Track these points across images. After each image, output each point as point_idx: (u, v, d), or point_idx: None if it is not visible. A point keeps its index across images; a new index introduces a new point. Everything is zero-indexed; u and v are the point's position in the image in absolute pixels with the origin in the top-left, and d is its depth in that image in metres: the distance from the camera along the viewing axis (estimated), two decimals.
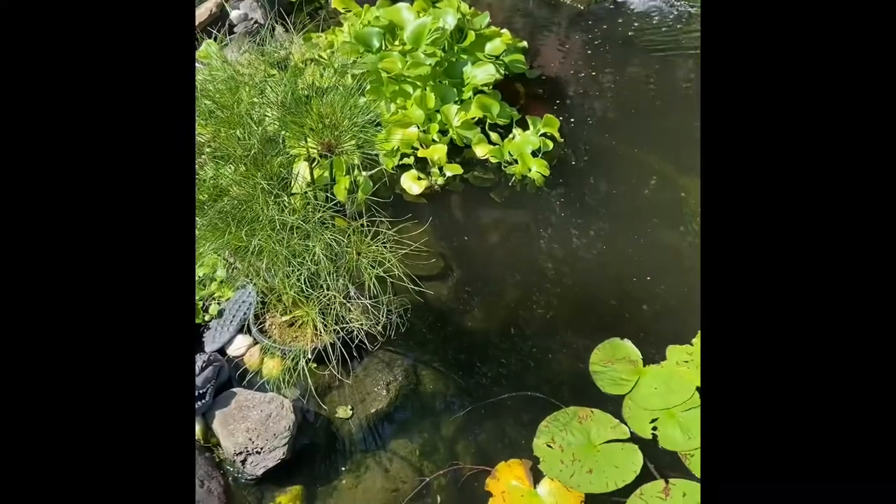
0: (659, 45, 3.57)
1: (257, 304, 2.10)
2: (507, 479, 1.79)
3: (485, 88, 2.84)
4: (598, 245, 2.53)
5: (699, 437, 1.85)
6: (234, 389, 1.96)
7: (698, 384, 1.98)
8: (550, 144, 2.77)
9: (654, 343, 2.12)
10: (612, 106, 3.22)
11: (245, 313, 2.14)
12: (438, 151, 2.70)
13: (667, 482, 1.76)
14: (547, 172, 2.69)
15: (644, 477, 1.78)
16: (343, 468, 1.87)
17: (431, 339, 2.18)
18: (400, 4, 3.00)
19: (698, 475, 1.77)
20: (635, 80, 3.40)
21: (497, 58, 2.93)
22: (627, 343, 2.11)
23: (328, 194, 2.07)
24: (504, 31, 3.10)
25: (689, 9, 3.76)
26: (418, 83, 2.77)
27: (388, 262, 1.77)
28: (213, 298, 2.21)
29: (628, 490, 1.75)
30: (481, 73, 2.81)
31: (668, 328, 2.18)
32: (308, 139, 1.78)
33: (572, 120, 3.04)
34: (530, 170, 2.68)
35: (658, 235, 2.54)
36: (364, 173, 2.56)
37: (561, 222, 2.61)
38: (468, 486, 1.81)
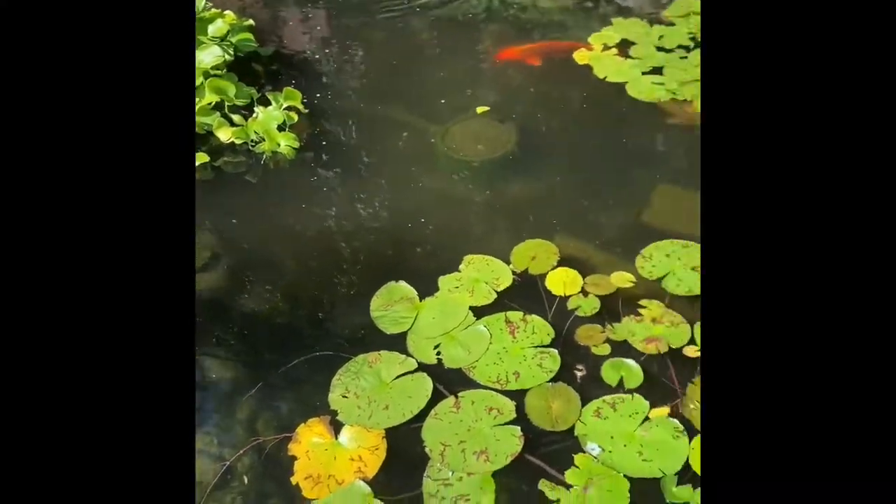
0: (394, 9, 3.71)
1: None
2: (308, 438, 1.82)
3: (216, 72, 2.77)
4: (366, 202, 2.61)
5: (478, 351, 2.00)
6: None
7: (470, 304, 2.13)
8: (295, 117, 2.78)
9: (429, 278, 2.24)
10: (355, 71, 3.30)
11: None
12: None
13: (456, 397, 1.89)
14: (296, 145, 2.70)
15: (436, 398, 1.90)
16: None
17: (210, 329, 2.13)
18: None
19: (482, 383, 1.92)
20: (375, 43, 3.50)
21: (223, 39, 2.87)
22: (402, 284, 2.21)
23: None
24: (227, 11, 3.03)
25: None
26: None
27: None
28: None
29: (424, 414, 1.86)
30: (208, 57, 2.73)
31: (440, 262, 2.31)
32: None
33: (317, 92, 3.07)
34: (279, 145, 2.68)
35: (420, 181, 2.67)
36: None
37: (323, 189, 2.64)
38: (273, 457, 1.81)
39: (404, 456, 1.79)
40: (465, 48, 3.40)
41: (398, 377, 1.95)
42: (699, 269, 2.17)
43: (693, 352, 1.95)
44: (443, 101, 3.02)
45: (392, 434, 1.83)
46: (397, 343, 2.06)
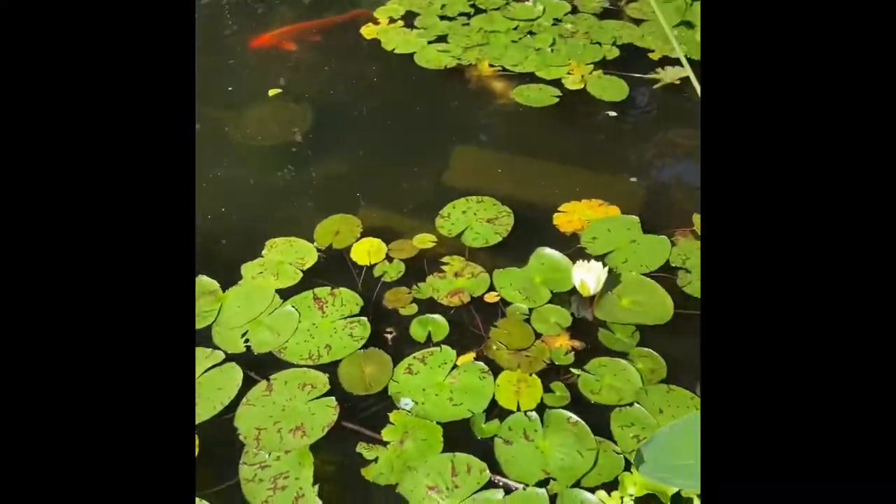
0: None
1: None
2: None
3: None
4: None
5: (287, 332, 1.98)
6: None
7: (276, 287, 2.10)
8: None
9: (234, 268, 2.18)
10: None
11: None
12: None
13: (268, 380, 1.86)
14: None
15: (248, 385, 1.86)
16: None
17: None
18: None
19: (294, 362, 1.91)
20: None
21: None
22: (202, 278, 2.13)
23: None
24: None
25: None
26: None
27: None
28: None
29: (236, 403, 1.82)
30: None
31: (244, 250, 2.25)
32: None
33: None
34: None
35: (217, 171, 2.58)
36: None
37: None
38: None
39: (218, 449, 1.74)
40: (256, 32, 3.31)
41: (205, 371, 1.89)
42: (493, 220, 2.29)
43: (492, 297, 2.06)
44: (231, 88, 2.93)
45: (204, 430, 1.77)
46: (202, 338, 1.99)
